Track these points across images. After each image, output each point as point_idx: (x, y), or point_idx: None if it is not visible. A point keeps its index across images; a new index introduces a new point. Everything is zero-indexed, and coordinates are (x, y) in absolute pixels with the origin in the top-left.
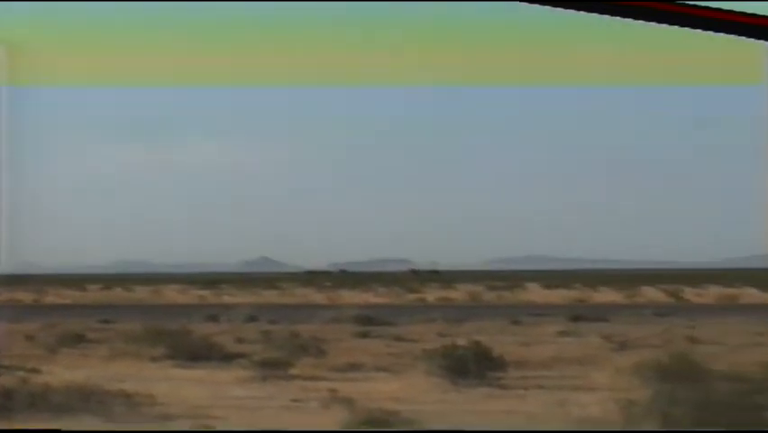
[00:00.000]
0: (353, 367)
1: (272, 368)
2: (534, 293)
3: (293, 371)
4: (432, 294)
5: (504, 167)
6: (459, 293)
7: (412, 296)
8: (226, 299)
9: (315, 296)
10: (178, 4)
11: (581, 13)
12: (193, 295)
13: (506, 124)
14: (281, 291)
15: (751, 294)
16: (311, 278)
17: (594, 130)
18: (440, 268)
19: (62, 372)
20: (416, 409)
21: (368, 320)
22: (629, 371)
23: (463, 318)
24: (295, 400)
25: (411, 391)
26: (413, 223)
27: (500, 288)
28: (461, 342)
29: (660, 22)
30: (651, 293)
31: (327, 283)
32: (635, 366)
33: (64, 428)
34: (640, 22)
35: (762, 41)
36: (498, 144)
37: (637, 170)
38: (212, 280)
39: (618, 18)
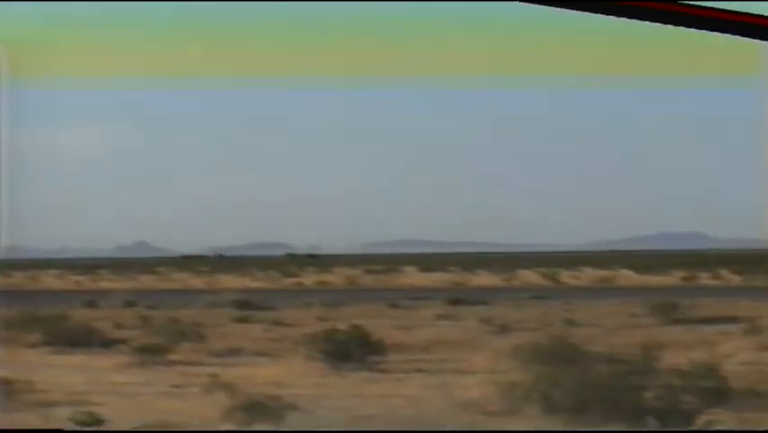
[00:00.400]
0: (233, 352)
1: (152, 354)
2: (412, 277)
3: (173, 356)
4: (309, 278)
5: (378, 152)
6: (336, 277)
7: (289, 280)
8: (104, 284)
9: (193, 280)
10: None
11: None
12: (70, 281)
13: (384, 113)
14: (159, 276)
15: (626, 276)
16: (188, 262)
17: (466, 116)
18: (317, 252)
19: None
20: (296, 393)
21: (246, 305)
22: (509, 354)
23: (342, 303)
24: (175, 386)
25: (291, 375)
26: (290, 207)
27: (378, 271)
28: (341, 326)
29: (659, 22)
30: (528, 276)
31: (204, 268)
32: (514, 349)
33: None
34: (639, 21)
35: (762, 41)
36: (372, 130)
37: (510, 154)
38: (89, 266)
39: (616, 18)
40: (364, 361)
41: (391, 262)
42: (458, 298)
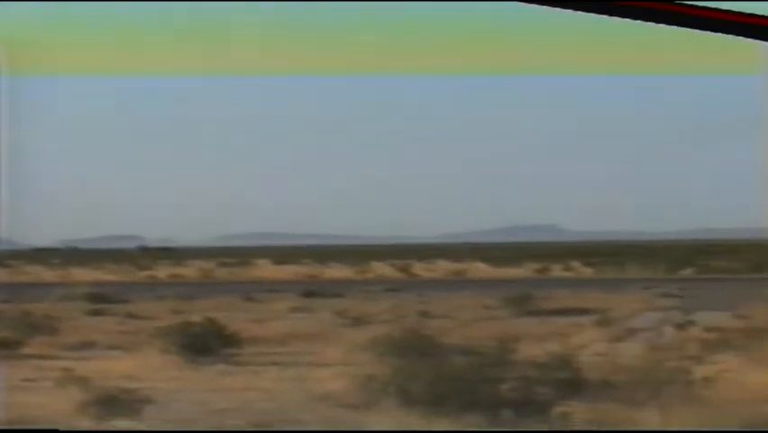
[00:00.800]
0: (87, 345)
1: (3, 348)
2: (266, 269)
3: (25, 350)
4: (163, 271)
5: (229, 143)
6: (190, 270)
7: (143, 273)
8: None
9: (46, 274)
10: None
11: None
12: None
13: (231, 106)
14: (10, 270)
15: (480, 268)
16: (40, 255)
17: (323, 108)
18: (171, 245)
19: None
20: (152, 386)
21: (100, 298)
22: (364, 346)
23: (196, 295)
24: (27, 380)
25: (146, 368)
26: (143, 199)
27: (231, 264)
28: (196, 319)
29: (659, 22)
30: (382, 269)
31: (57, 261)
32: (369, 342)
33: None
34: (639, 22)
35: (762, 42)
36: (227, 123)
37: (361, 146)
38: None
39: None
40: (220, 354)
41: (245, 254)
42: (312, 290)
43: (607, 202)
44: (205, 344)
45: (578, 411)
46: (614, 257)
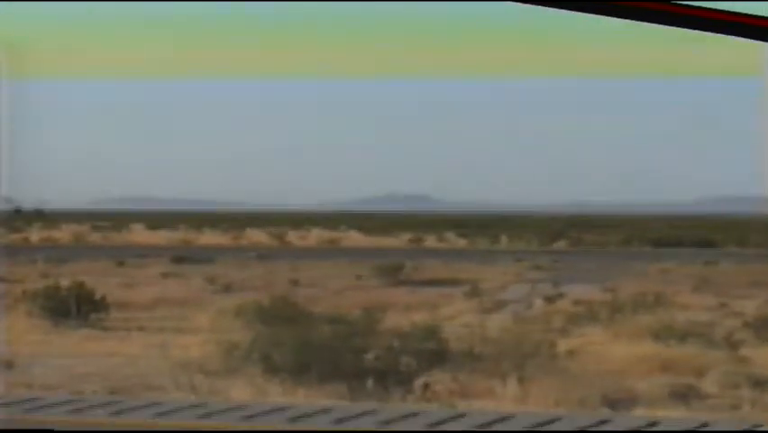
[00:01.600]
0: None
1: None
2: (139, 234)
3: None
4: (36, 234)
5: (107, 107)
6: (63, 233)
7: (16, 236)
8: None
9: None
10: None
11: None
12: None
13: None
14: None
15: (353, 237)
16: None
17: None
18: (45, 208)
19: None
20: (15, 350)
21: None
22: (232, 313)
23: (67, 259)
24: None
25: (11, 332)
26: (17, 161)
27: (105, 228)
28: (64, 283)
29: (658, 22)
30: (255, 236)
31: None
32: (237, 308)
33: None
34: (638, 22)
35: (762, 42)
36: (109, 92)
37: (241, 114)
38: None
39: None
40: (87, 318)
41: (119, 218)
42: (184, 256)
43: (481, 174)
44: (73, 308)
45: (440, 382)
46: (487, 229)
